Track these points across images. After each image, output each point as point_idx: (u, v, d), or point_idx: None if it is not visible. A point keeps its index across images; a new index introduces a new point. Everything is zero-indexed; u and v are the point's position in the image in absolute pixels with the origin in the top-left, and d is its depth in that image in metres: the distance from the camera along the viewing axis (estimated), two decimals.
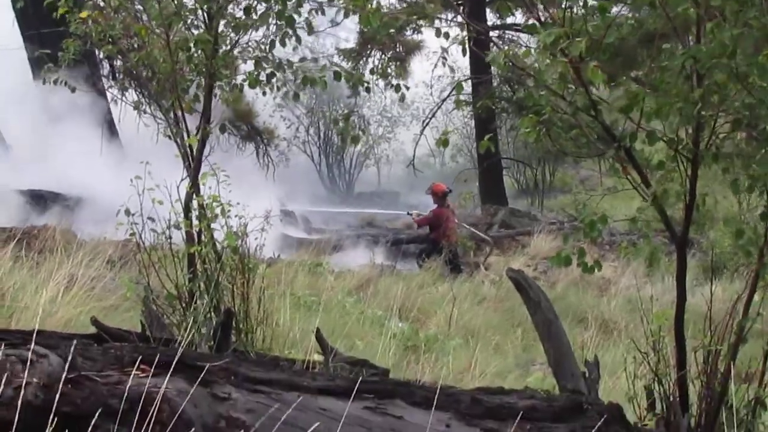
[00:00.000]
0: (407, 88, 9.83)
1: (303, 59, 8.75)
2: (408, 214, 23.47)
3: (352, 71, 9.90)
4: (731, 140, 7.12)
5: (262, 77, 8.67)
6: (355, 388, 4.78)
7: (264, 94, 8.86)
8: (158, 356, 4.32)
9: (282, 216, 20.15)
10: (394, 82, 9.79)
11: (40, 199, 20.18)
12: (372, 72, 10.90)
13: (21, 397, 3.87)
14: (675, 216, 7.26)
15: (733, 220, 7.37)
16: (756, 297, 6.72)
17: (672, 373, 6.74)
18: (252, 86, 8.68)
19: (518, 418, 4.70)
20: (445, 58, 14.73)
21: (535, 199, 34.26)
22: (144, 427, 4.03)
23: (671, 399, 6.67)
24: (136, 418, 4.01)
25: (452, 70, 28.71)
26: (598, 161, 27.39)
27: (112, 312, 9.65)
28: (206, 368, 4.54)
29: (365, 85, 9.30)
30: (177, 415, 4.15)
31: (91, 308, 9.04)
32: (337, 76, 9.15)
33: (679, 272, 6.82)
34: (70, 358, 4.18)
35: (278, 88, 8.92)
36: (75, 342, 4.39)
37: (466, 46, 9.59)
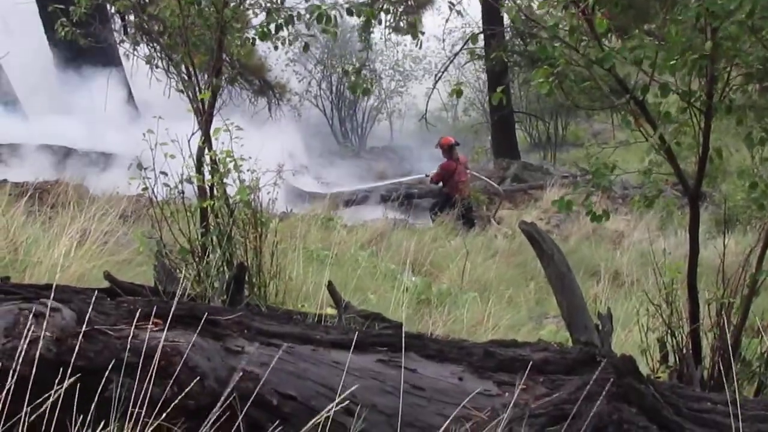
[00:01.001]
0: (422, 33, 9.78)
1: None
2: (426, 176, 23.34)
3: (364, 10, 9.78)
4: (744, 93, 7.09)
5: (272, 29, 8.63)
6: (369, 341, 4.79)
7: (276, 48, 8.83)
8: (171, 310, 4.32)
9: (295, 170, 20.14)
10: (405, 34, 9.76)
11: (52, 153, 20.20)
12: (384, 24, 10.83)
13: (35, 351, 3.88)
14: (687, 170, 7.25)
15: (747, 173, 7.31)
16: None
17: (685, 325, 6.75)
18: (262, 39, 8.66)
19: (531, 370, 4.70)
20: (455, 7, 14.64)
21: (547, 152, 34.16)
22: (157, 381, 4.04)
23: (684, 351, 6.68)
24: (150, 371, 4.02)
25: (462, 16, 28.64)
26: (610, 114, 27.34)
27: (124, 266, 9.66)
28: (219, 322, 4.55)
29: (377, 18, 9.20)
30: (190, 369, 4.16)
31: (104, 263, 9.04)
32: (349, 12, 9.09)
33: (691, 225, 6.80)
34: (83, 312, 4.19)
35: (290, 42, 8.88)
36: (88, 296, 4.40)
37: None
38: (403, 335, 4.92)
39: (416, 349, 4.74)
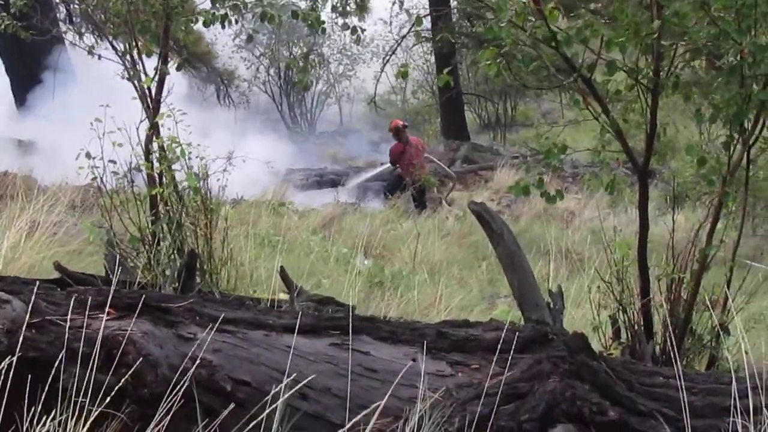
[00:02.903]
0: (363, 31, 9.82)
1: None
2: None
3: (311, 10, 9.83)
4: (691, 69, 7.14)
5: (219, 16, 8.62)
6: (322, 325, 4.79)
7: (223, 27, 8.81)
8: (123, 299, 4.30)
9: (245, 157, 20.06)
10: (350, 23, 9.76)
11: None
12: (333, 9, 10.83)
13: None
14: (636, 147, 7.29)
15: (695, 149, 7.37)
16: (719, 225, 6.76)
17: (636, 301, 6.80)
18: (206, 25, 8.64)
19: (484, 350, 4.72)
20: None
21: (497, 133, 34.29)
22: (110, 370, 4.02)
23: (636, 327, 6.74)
24: (102, 360, 4.00)
25: (408, 12, 28.71)
26: (559, 94, 27.45)
27: (75, 257, 9.62)
28: (171, 309, 4.53)
29: (322, 25, 9.27)
30: (143, 357, 4.14)
31: (54, 253, 9.00)
32: (294, 14, 9.11)
33: (641, 202, 6.85)
34: (33, 302, 4.16)
35: (236, 21, 8.88)
36: (38, 286, 4.37)
37: None
38: (356, 318, 4.93)
39: (369, 332, 4.75)
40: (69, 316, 4.26)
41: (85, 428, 3.75)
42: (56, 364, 3.98)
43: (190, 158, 8.17)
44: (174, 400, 3.93)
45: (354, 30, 9.60)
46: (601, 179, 7.05)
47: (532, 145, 28.01)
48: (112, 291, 4.46)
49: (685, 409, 4.32)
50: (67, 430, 3.77)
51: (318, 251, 12.61)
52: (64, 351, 4.05)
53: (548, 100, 34.76)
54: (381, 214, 17.60)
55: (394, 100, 38.12)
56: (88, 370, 3.99)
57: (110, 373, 4.02)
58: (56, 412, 3.80)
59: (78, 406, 3.85)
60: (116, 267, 7.20)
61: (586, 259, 13.33)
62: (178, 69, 8.58)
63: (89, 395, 3.89)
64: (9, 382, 3.66)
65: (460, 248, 15.26)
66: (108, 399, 3.89)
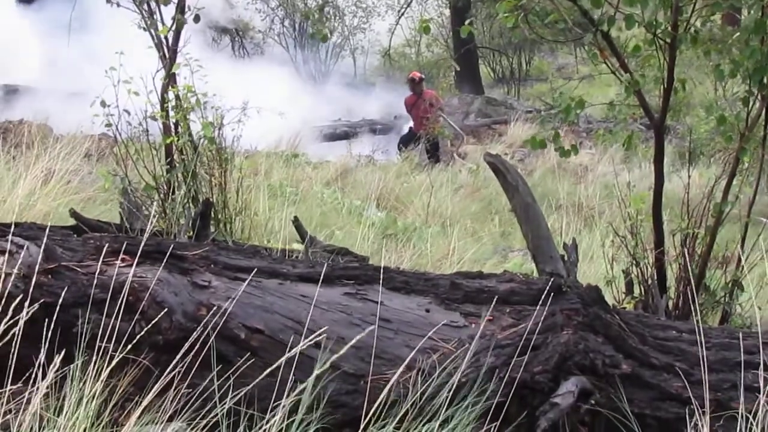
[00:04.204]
0: None
1: None
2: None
3: None
4: (710, 24, 7.09)
5: None
6: (335, 275, 4.79)
7: None
8: (138, 246, 4.30)
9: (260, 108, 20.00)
10: None
11: (14, 93, 20.04)
12: None
13: (2, 289, 3.85)
14: (652, 103, 7.25)
15: (714, 106, 7.35)
16: (734, 181, 6.74)
17: (649, 256, 6.79)
18: None
19: (497, 301, 4.72)
20: None
21: (511, 88, 34.14)
22: (125, 316, 4.03)
23: (649, 282, 6.72)
24: (118, 307, 4.01)
25: None
26: (574, 49, 27.31)
27: (90, 204, 9.62)
28: (186, 257, 4.54)
29: None
30: (157, 304, 4.15)
31: (70, 201, 9.01)
32: None
33: (656, 156, 6.82)
34: (49, 248, 4.17)
35: None
36: (54, 232, 4.37)
37: None
38: (369, 268, 4.93)
39: (383, 282, 4.74)
40: (85, 262, 4.27)
41: (104, 373, 3.76)
42: (73, 310, 4.00)
43: (205, 108, 8.18)
44: (189, 347, 3.94)
45: None
46: (617, 134, 7.03)
47: (546, 99, 27.93)
48: (127, 238, 4.46)
49: (704, 362, 4.32)
50: (86, 373, 3.78)
51: (331, 203, 12.61)
52: (80, 297, 4.06)
53: (563, 54, 34.61)
54: (394, 167, 17.57)
55: (409, 53, 37.94)
56: (104, 316, 4.00)
57: (125, 320, 4.03)
58: (76, 355, 3.81)
59: (96, 351, 3.86)
60: (131, 215, 7.20)
61: (599, 214, 13.33)
62: (195, 21, 8.54)
63: (105, 341, 3.90)
64: (26, 326, 3.67)
65: (472, 201, 15.23)
66: (126, 345, 3.90)
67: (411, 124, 22.13)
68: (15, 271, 3.95)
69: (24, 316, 3.63)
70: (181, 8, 8.50)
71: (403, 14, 30.17)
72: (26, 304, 3.71)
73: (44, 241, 4.11)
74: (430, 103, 21.45)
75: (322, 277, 4.57)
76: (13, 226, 4.24)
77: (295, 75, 32.24)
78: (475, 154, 20.75)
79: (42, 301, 3.90)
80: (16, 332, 3.62)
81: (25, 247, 4.09)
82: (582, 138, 22.91)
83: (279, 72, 28.94)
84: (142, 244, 4.30)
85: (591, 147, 21.82)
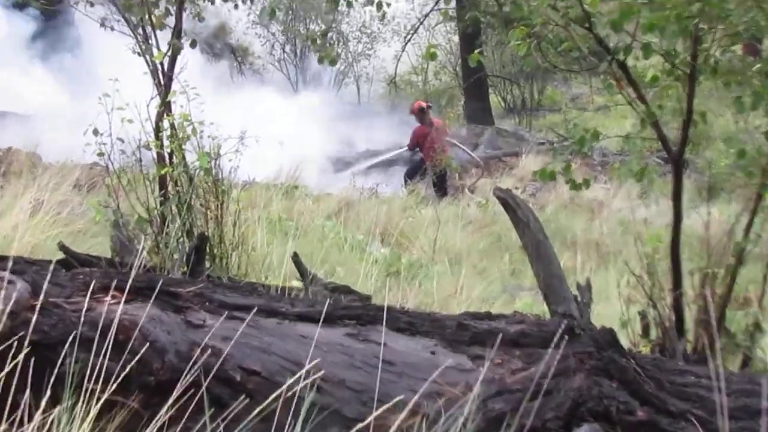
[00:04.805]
0: (388, 5, 9.81)
1: None
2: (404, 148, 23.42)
3: None
4: (730, 54, 7.10)
5: None
6: (337, 314, 4.78)
7: (236, 7, 8.83)
8: (129, 282, 4.30)
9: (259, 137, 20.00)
10: None
11: (2, 118, 20.11)
12: None
13: None
14: (670, 135, 7.25)
15: (735, 139, 7.34)
16: (756, 219, 6.73)
17: (667, 297, 6.77)
18: None
19: (507, 343, 4.71)
20: None
21: (522, 118, 34.16)
22: (115, 356, 4.02)
23: (666, 324, 6.70)
24: (107, 346, 4.00)
25: None
26: (589, 78, 27.34)
27: (80, 237, 9.63)
28: (180, 294, 4.53)
29: None
30: (149, 343, 4.14)
31: (59, 233, 9.02)
32: None
33: (675, 190, 6.82)
34: (37, 284, 4.16)
35: (251, 1, 8.87)
36: (42, 267, 4.37)
37: None
38: (372, 308, 4.92)
39: (386, 322, 4.73)
40: (73, 299, 4.27)
41: (91, 415, 3.75)
42: (60, 349, 3.99)
43: (201, 137, 8.19)
44: (181, 389, 3.93)
45: (380, 5, 9.58)
46: (631, 167, 7.03)
47: (559, 130, 27.96)
48: (117, 274, 4.46)
49: (723, 410, 4.30)
50: (73, 415, 3.77)
51: (332, 237, 12.61)
52: (68, 335, 4.05)
53: (577, 84, 34.67)
54: (399, 200, 17.58)
55: (415, 81, 38.01)
56: (92, 355, 3.99)
57: (114, 359, 4.03)
58: (63, 396, 3.80)
59: (83, 392, 3.85)
60: (122, 249, 7.20)
61: (615, 252, 13.32)
62: (192, 46, 8.57)
63: (93, 381, 3.89)
64: (13, 365, 3.66)
65: (482, 237, 15.24)
66: (114, 386, 3.89)
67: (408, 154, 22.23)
68: (1, 307, 3.94)
69: (12, 354, 3.63)
70: (177, 33, 8.53)
71: (409, 40, 30.26)
72: (14, 342, 3.71)
73: (32, 276, 4.11)
74: (439, 133, 21.43)
75: (322, 317, 4.56)
76: (3, 260, 4.25)
77: (295, 102, 32.31)
78: (485, 188, 20.80)
79: (28, 339, 3.89)
80: (3, 372, 3.62)
81: (13, 283, 4.09)
82: (596, 172, 22.93)
83: (279, 99, 29.02)
84: (134, 279, 4.30)
85: (606, 181, 21.82)
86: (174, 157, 8.22)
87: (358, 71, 38.73)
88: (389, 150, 25.30)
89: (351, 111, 33.83)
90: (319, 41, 11.06)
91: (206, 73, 28.85)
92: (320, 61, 9.59)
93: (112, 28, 9.05)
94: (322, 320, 4.53)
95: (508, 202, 6.01)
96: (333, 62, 9.90)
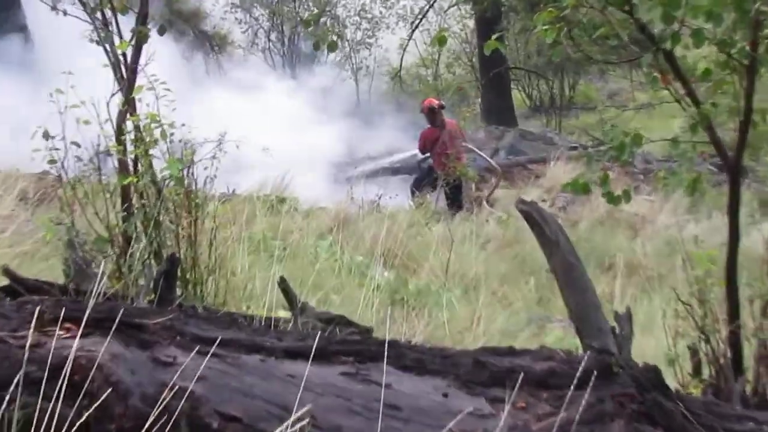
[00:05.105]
0: None
1: None
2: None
3: None
4: None
5: None
6: (331, 350, 4.78)
7: None
8: (86, 312, 4.30)
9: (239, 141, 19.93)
10: None
11: None
12: None
13: None
14: (725, 138, 7.25)
15: None
16: None
17: (722, 329, 6.76)
18: None
19: (532, 384, 4.71)
20: None
21: (551, 118, 34.19)
22: (70, 400, 4.02)
23: (721, 361, 6.69)
24: (59, 387, 4.00)
25: None
26: (629, 70, 27.36)
27: (27, 260, 9.65)
28: (146, 326, 4.53)
29: None
30: (111, 385, 4.14)
31: (2, 255, 9.03)
32: None
33: (731, 205, 6.81)
34: None
35: None
36: None
37: None
38: (373, 342, 4.92)
39: (390, 359, 4.73)
40: (20, 332, 4.27)
41: None
42: (2, 392, 3.99)
43: (171, 141, 8.18)
44: None
45: None
46: (680, 176, 7.02)
47: (594, 133, 27.96)
48: (73, 302, 4.46)
49: None
50: None
51: (326, 260, 12.62)
52: (13, 375, 4.05)
53: (615, 78, 34.70)
54: (406, 215, 17.58)
55: (424, 75, 38.04)
56: (40, 399, 3.99)
57: (68, 404, 4.02)
58: None
59: None
60: (78, 273, 7.20)
61: (660, 276, 13.32)
62: (160, 33, 8.58)
63: (42, 430, 3.89)
64: None
65: (503, 259, 15.25)
66: None
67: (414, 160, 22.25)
68: None
69: None
70: (142, 18, 8.53)
71: (417, 27, 30.29)
72: None
73: None
74: (453, 136, 21.38)
75: (314, 353, 4.56)
76: None
77: (282, 100, 32.34)
78: (506, 200, 20.79)
79: None
80: None
81: None
82: (638, 181, 22.94)
83: (262, 96, 29.05)
84: (92, 309, 4.30)
85: (650, 193, 21.84)
86: (139, 165, 8.22)
87: (357, 63, 38.78)
88: (392, 155, 25.35)
89: (348, 110, 33.89)
90: (313, 26, 11.05)
91: (178, 65, 28.95)
92: (316, 46, 9.56)
93: (65, 13, 9.06)
94: (314, 357, 4.53)
95: (533, 217, 6.01)
96: (332, 47, 9.80)
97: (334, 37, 8.98)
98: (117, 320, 4.36)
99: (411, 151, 23.67)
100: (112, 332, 4.31)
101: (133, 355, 4.31)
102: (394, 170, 24.32)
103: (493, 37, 7.40)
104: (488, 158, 23.59)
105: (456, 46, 36.01)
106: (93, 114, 7.77)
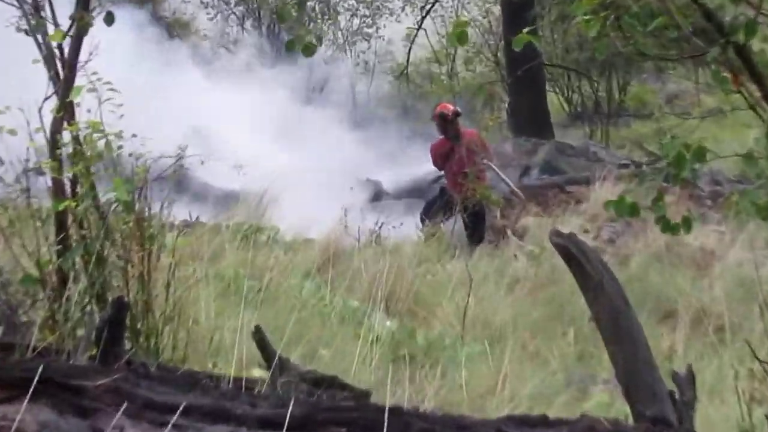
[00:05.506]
0: None
1: None
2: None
3: None
4: None
5: None
6: (320, 419, 4.78)
7: None
8: (10, 371, 4.30)
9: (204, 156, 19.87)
10: None
11: None
12: None
13: None
14: None
15: None
16: None
17: None
18: None
19: None
20: None
21: (595, 128, 34.17)
22: None
23: None
24: None
25: None
26: (694, 70, 27.41)
27: None
28: (87, 389, 4.53)
29: None
30: None
31: None
32: None
33: None
34: None
35: None
36: None
37: None
38: (372, 409, 4.92)
39: (392, 430, 4.74)
40: None
41: None
42: None
43: (119, 155, 8.17)
44: None
45: None
46: (754, 200, 7.02)
47: (650, 146, 27.97)
48: None
49: None
50: None
51: (314, 305, 12.61)
52: None
53: (676, 78, 34.73)
54: (413, 249, 17.58)
55: (437, 73, 38.05)
56: None
57: None
58: None
59: None
60: (2, 322, 7.21)
61: (732, 326, 13.32)
62: (108, 22, 8.56)
63: None
64: None
65: (535, 305, 15.24)
66: None
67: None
68: None
69: None
70: (83, 2, 8.53)
71: (428, 13, 30.34)
72: None
73: None
74: (472, 149, 21.15)
75: (297, 423, 4.56)
76: None
77: (258, 106, 32.32)
78: (539, 231, 20.77)
79: None
80: None
81: None
82: (705, 207, 22.91)
83: (234, 99, 29.07)
84: (17, 368, 4.30)
85: (719, 221, 21.80)
86: (79, 186, 8.21)
87: (354, 58, 38.78)
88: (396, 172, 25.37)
89: (342, 116, 33.90)
90: (294, 12, 11.04)
91: (129, 60, 28.99)
92: (289, 47, 9.53)
93: None
94: (296, 427, 4.53)
95: (571, 252, 6.01)
96: (308, 51, 9.68)
97: (313, 40, 8.71)
98: (49, 381, 4.36)
99: (421, 167, 23.64)
100: (42, 396, 4.31)
101: (69, 425, 4.32)
102: (398, 192, 24.31)
103: (525, 29, 7.38)
104: (509, 182, 23.31)
105: (477, 38, 36.01)
106: (21, 122, 7.77)
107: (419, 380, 9.72)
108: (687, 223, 6.88)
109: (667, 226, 6.82)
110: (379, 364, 10.01)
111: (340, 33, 37.56)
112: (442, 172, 21.89)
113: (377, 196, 24.14)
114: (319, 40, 23.88)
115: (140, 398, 4.61)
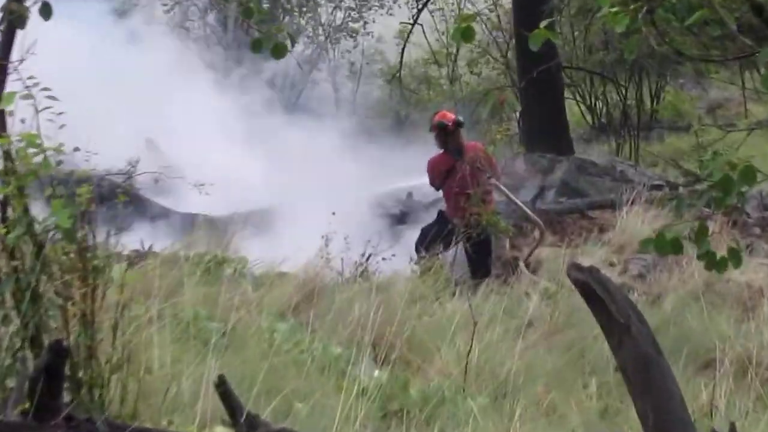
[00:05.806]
0: None
1: None
2: None
3: None
4: None
5: None
6: None
7: None
8: None
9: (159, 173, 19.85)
10: None
11: None
12: None
13: None
14: None
15: None
16: None
17: None
18: None
19: None
20: None
21: (623, 142, 34.16)
22: None
23: None
24: None
25: None
26: (741, 73, 27.47)
27: None
28: None
29: None
30: None
31: None
32: None
33: None
34: None
35: None
36: None
37: None
38: None
39: None
40: None
41: None
42: None
43: (59, 173, 8.16)
44: None
45: None
46: None
47: (688, 164, 27.97)
48: None
49: None
50: None
51: (288, 351, 12.61)
52: None
53: (719, 82, 34.78)
54: (406, 285, 17.58)
55: (436, 77, 38.08)
56: None
57: None
58: None
59: None
60: None
61: None
62: (45, 16, 8.57)
63: None
64: None
65: (550, 351, 15.25)
66: None
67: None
68: None
69: None
70: None
71: (426, 5, 30.37)
72: None
73: None
74: (476, 167, 21.02)
75: None
76: None
77: (223, 114, 32.31)
78: (556, 264, 20.76)
79: None
80: None
81: None
82: (752, 236, 22.92)
83: (196, 107, 29.10)
84: None
85: None
86: (10, 209, 8.22)
87: (336, 59, 38.79)
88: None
89: (323, 126, 33.90)
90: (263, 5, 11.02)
91: (73, 60, 29.00)
92: (255, 47, 9.49)
93: None
94: None
95: (593, 289, 6.04)
96: (278, 53, 9.58)
97: (286, 40, 8.58)
98: None
99: (414, 182, 23.65)
100: None
101: None
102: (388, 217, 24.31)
103: (542, 24, 7.36)
104: (522, 205, 23.13)
105: (482, 35, 35.95)
106: None
107: None
108: (735, 257, 6.87)
109: (712, 263, 6.80)
110: (366, 421, 10.02)
111: (320, 29, 37.58)
112: (440, 193, 21.82)
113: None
114: (292, 38, 24.00)
115: None
